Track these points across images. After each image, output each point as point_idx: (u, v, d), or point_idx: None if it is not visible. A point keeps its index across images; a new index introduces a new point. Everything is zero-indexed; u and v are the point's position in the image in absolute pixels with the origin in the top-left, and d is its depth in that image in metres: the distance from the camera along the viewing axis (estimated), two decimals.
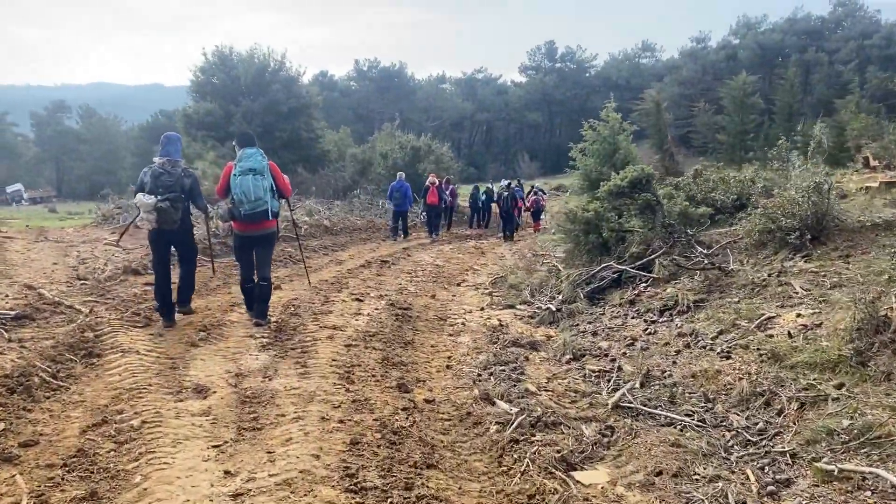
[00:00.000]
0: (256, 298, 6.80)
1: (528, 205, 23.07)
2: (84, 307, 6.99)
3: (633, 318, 6.75)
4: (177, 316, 6.76)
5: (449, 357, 6.19)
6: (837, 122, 24.69)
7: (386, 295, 8.90)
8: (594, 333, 6.63)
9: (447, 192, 21.49)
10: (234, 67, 27.35)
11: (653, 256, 7.72)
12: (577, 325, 7.10)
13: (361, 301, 8.32)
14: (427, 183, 19.10)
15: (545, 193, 24.95)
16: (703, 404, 4.58)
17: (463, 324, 7.58)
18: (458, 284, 10.63)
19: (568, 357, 6.05)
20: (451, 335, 7.10)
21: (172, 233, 6.45)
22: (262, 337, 6.28)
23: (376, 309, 7.87)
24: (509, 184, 22.93)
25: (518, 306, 8.52)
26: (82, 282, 8.57)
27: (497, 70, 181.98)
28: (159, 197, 6.20)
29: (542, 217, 24.97)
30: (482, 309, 8.48)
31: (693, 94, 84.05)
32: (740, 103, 24.95)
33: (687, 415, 4.45)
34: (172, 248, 6.81)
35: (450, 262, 13.09)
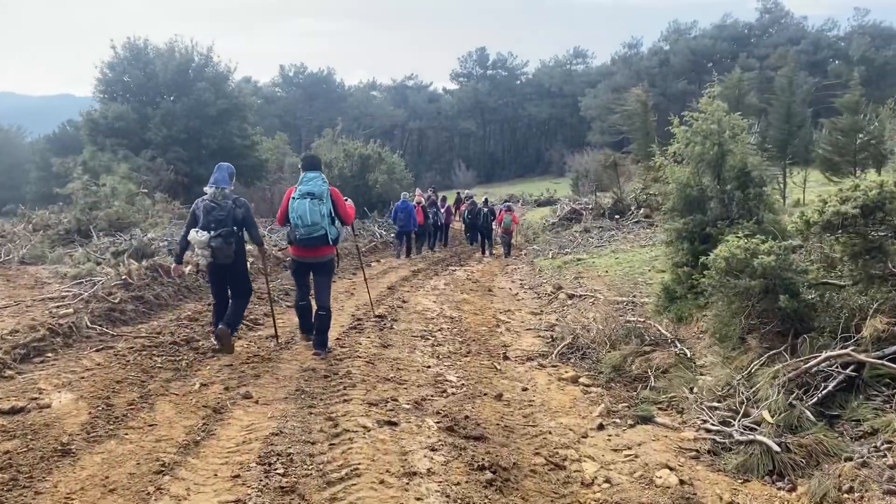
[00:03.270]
0: (315, 328, 6.62)
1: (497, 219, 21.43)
2: None
3: None
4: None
5: None
6: (837, 124, 22.41)
7: (425, 400, 5.26)
8: None
9: (442, 209, 20.58)
10: (151, 63, 22.86)
11: None
12: (849, 487, 3.66)
13: (395, 425, 4.64)
14: (414, 201, 17.67)
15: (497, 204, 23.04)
16: None
17: (607, 481, 4.04)
18: (505, 355, 7.08)
19: None
20: None
21: (227, 266, 6.33)
22: None
23: (432, 450, 4.23)
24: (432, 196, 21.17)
25: (658, 418, 5.04)
26: None
27: (428, 77, 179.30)
28: (212, 233, 6.12)
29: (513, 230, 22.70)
30: (600, 427, 4.95)
31: (626, 100, 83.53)
32: (735, 103, 22.25)
33: None
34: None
35: (463, 311, 9.53)
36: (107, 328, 7.22)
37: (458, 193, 35.01)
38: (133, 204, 17.39)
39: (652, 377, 5.70)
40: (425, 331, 7.99)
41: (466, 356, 6.98)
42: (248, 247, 7.46)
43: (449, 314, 9.18)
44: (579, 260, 14.67)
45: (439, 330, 8.10)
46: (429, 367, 6.38)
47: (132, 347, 6.39)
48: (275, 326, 7.11)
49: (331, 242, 6.45)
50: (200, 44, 23.88)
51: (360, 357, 6.44)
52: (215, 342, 6.35)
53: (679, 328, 7.16)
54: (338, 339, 7.19)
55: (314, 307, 6.70)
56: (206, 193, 6.32)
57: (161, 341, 6.66)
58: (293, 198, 6.35)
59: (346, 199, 6.67)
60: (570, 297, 10.25)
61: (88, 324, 7.08)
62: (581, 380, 6.11)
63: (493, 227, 21.09)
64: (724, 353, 5.53)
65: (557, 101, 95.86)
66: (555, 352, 6.98)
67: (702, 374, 5.60)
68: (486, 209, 20.57)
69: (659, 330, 6.90)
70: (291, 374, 5.80)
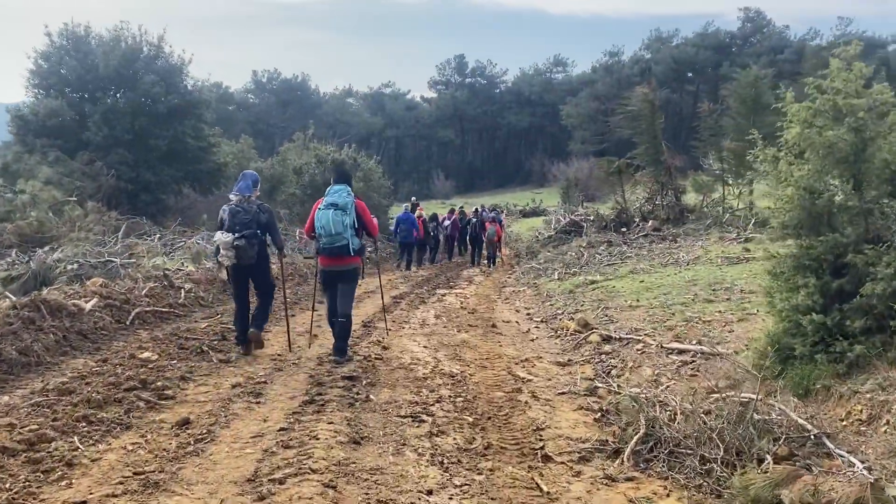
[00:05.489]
0: (336, 334, 6.74)
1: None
2: None
3: None
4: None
5: None
6: None
7: None
8: None
9: (449, 223, 21.22)
10: (92, 52, 20.01)
11: None
12: None
13: None
14: (415, 214, 18.14)
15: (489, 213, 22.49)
16: None
17: None
18: (545, 453, 4.51)
19: None
20: None
21: (250, 267, 6.65)
22: None
23: None
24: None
25: None
26: None
27: (405, 85, 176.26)
28: (236, 234, 6.43)
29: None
30: None
31: (608, 108, 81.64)
32: (752, 103, 20.04)
33: None
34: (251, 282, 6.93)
35: (465, 361, 6.96)
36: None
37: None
38: (61, 214, 14.62)
39: None
40: (417, 403, 5.40)
41: (485, 455, 4.41)
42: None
43: (447, 369, 6.60)
44: (593, 282, 12.23)
45: (437, 401, 5.51)
46: (430, 491, 3.79)
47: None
48: (289, 338, 7.25)
49: (352, 253, 6.62)
50: (150, 32, 21.13)
51: (313, 473, 3.83)
52: (241, 349, 6.70)
53: (810, 408, 4.67)
54: (282, 430, 4.56)
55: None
56: (232, 200, 6.68)
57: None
58: (319, 208, 6.61)
59: (372, 217, 6.99)
60: (606, 340, 7.73)
61: None
62: None
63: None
64: None
65: (538, 110, 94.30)
66: (627, 450, 4.42)
67: None
68: (474, 220, 19.28)
69: (787, 415, 4.38)
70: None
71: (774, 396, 4.81)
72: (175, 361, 6.25)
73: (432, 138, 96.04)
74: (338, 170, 7.22)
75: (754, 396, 4.46)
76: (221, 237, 6.46)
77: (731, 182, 20.82)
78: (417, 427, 4.85)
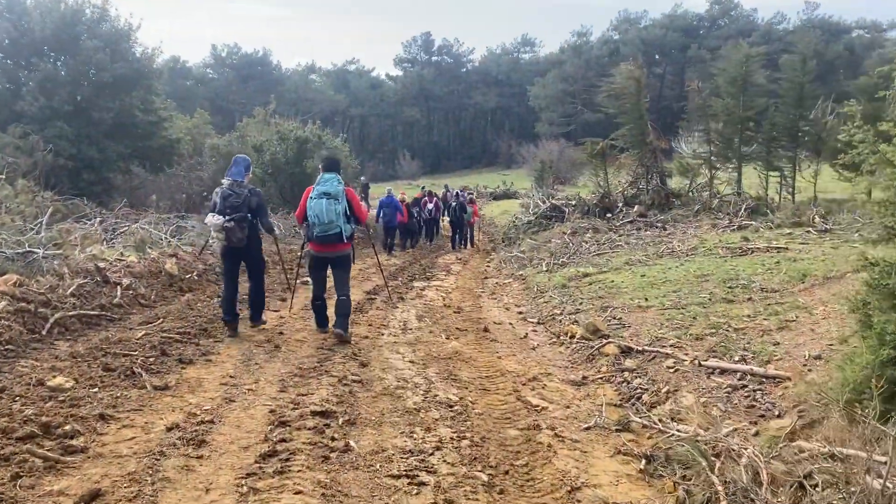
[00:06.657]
0: (336, 312, 6.85)
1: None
2: None
3: None
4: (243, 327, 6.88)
5: None
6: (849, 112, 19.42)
7: None
8: None
9: (432, 205, 20.76)
10: (27, 13, 18.03)
11: None
12: None
13: None
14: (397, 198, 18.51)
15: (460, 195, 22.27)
16: None
17: None
18: None
19: None
20: None
21: (240, 249, 6.82)
22: None
23: None
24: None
25: None
26: None
27: (370, 62, 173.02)
28: (226, 217, 6.59)
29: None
30: None
31: (577, 90, 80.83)
32: (742, 83, 19.06)
33: None
34: (242, 263, 7.10)
35: (462, 383, 5.70)
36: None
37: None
38: None
39: None
40: (412, 452, 4.12)
41: None
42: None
43: (443, 394, 5.32)
44: (587, 275, 11.10)
45: (437, 447, 4.24)
46: None
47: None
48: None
49: (345, 240, 6.83)
50: None
51: None
52: (227, 330, 6.83)
53: None
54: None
55: (329, 307, 7.06)
56: (224, 184, 6.86)
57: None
58: (311, 197, 6.76)
59: (361, 203, 7.10)
60: (625, 352, 6.54)
61: None
62: None
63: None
64: None
65: (505, 91, 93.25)
66: None
67: None
68: (454, 203, 19.26)
69: None
70: None
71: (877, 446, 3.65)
72: (95, 389, 4.86)
73: (398, 117, 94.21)
74: (327, 159, 7.23)
75: (884, 459, 3.28)
76: (212, 220, 6.65)
77: (718, 166, 19.88)
78: (417, 495, 3.59)
